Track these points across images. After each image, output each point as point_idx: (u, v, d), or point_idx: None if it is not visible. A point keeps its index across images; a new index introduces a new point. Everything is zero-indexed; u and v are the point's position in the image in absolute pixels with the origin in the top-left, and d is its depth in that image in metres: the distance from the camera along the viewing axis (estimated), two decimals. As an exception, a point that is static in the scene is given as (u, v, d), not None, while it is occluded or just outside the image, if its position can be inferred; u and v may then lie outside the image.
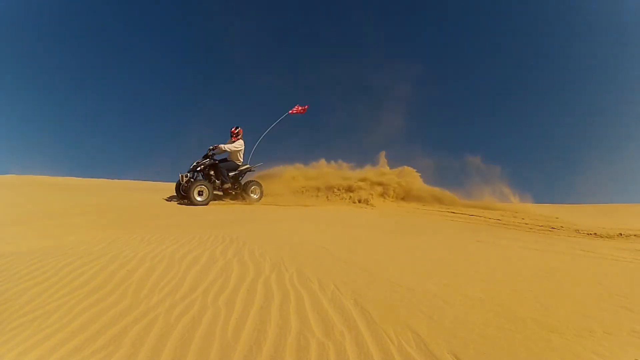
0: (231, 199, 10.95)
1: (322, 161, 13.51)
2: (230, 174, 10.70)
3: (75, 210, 9.36)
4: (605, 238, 6.18)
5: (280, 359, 1.79)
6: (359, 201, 11.67)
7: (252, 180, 11.23)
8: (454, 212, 10.23)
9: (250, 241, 4.78)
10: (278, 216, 8.52)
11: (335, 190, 12.18)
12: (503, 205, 11.36)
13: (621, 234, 6.44)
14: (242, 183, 11.02)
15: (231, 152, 10.74)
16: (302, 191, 12.34)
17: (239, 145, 10.77)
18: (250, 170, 11.32)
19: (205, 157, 10.45)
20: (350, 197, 11.95)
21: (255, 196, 10.96)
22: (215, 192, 10.56)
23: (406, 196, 12.60)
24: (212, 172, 10.52)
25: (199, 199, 9.77)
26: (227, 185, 10.60)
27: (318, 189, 12.32)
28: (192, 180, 10.13)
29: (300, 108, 12.63)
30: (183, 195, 10.42)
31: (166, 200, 10.68)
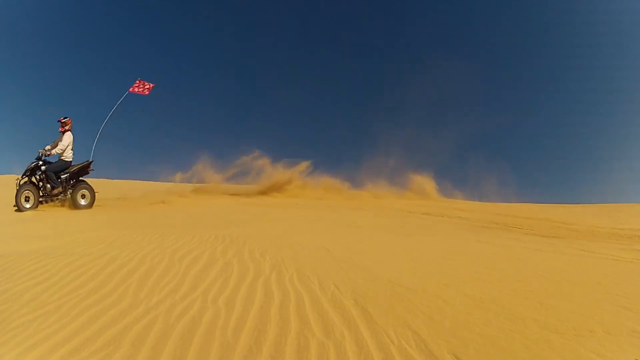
0: (61, 204, 9.47)
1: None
2: (62, 175, 9.36)
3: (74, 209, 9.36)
4: (605, 238, 6.18)
5: (281, 359, 1.79)
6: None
7: (82, 182, 9.67)
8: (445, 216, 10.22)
9: (250, 241, 4.78)
10: (278, 216, 8.52)
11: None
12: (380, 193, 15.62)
13: (621, 234, 6.44)
14: (74, 184, 9.57)
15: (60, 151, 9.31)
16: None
17: (66, 141, 9.32)
18: (88, 168, 9.88)
19: (38, 159, 9.25)
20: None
21: (83, 202, 9.45)
22: (47, 198, 9.30)
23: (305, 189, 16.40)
24: (42, 176, 9.23)
25: (26, 205, 8.78)
26: (56, 191, 9.27)
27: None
28: (26, 183, 9.01)
29: (142, 86, 10.99)
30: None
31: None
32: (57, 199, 9.37)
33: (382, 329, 2.10)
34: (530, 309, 2.41)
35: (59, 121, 9.41)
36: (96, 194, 9.82)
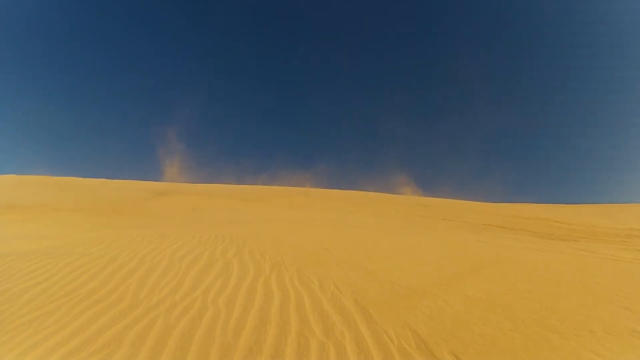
0: None
1: None
2: None
3: (74, 209, 9.37)
4: (605, 238, 6.18)
5: (281, 359, 1.79)
6: None
7: None
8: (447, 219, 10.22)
9: (250, 241, 4.78)
10: (278, 216, 8.52)
11: None
12: None
13: (621, 234, 6.44)
14: None
15: None
16: None
17: None
18: None
19: None
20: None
21: None
22: None
23: None
24: None
25: None
26: None
27: None
28: None
29: None
30: None
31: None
32: None
33: (382, 328, 2.10)
34: (530, 309, 2.41)
35: None
36: None
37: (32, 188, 12.12)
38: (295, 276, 3.14)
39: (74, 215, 8.24)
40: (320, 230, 6.32)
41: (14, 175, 16.67)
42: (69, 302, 2.51)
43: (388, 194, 20.55)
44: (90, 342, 1.94)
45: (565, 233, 6.73)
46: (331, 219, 8.33)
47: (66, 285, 2.85)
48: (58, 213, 8.82)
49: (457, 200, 16.02)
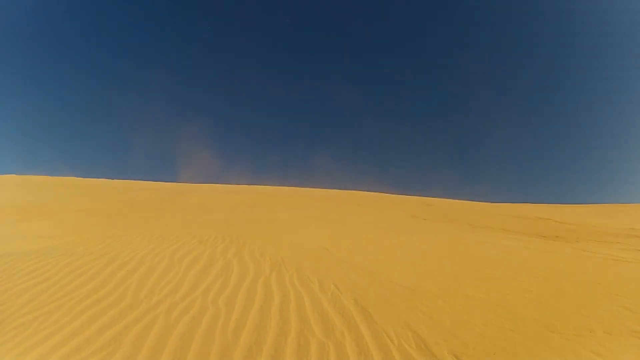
0: None
1: None
2: None
3: (74, 209, 9.36)
4: (605, 238, 6.18)
5: (281, 359, 1.79)
6: None
7: None
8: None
9: (250, 241, 4.78)
10: (278, 216, 8.52)
11: None
12: None
13: (621, 234, 6.44)
14: None
15: None
16: None
17: None
18: None
19: None
20: None
21: None
22: None
23: None
24: None
25: None
26: None
27: None
28: None
29: None
30: None
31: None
32: None
33: (382, 328, 2.10)
34: (530, 309, 2.41)
35: None
36: None
37: (32, 188, 12.13)
38: (295, 276, 3.14)
39: (78, 217, 8.24)
40: (320, 230, 6.33)
41: (14, 175, 16.69)
42: (69, 302, 2.51)
43: (388, 194, 20.56)
44: (90, 342, 1.94)
45: (566, 233, 6.74)
46: (331, 218, 8.33)
47: (66, 285, 2.85)
48: (60, 214, 8.83)
49: (458, 201, 16.03)
